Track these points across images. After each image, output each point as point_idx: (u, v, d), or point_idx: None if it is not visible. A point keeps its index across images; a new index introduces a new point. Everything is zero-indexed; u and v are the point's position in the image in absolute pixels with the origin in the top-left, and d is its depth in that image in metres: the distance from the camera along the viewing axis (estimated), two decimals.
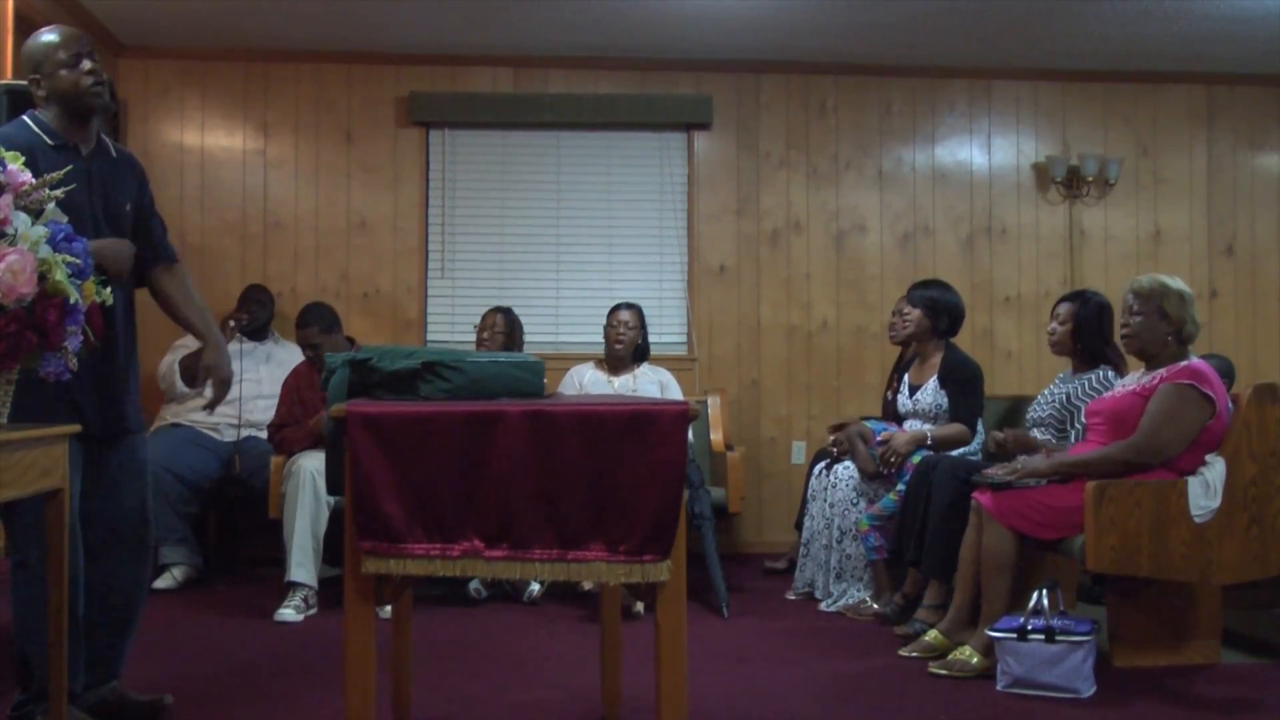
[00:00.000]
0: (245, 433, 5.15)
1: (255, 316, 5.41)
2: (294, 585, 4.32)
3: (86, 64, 2.82)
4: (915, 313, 4.62)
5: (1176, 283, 3.67)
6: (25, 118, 2.84)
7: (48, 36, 2.86)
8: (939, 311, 4.59)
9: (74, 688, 2.83)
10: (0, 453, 2.16)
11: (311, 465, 4.33)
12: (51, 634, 2.47)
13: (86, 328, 2.38)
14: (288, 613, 4.24)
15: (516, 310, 5.38)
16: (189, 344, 5.25)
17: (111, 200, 2.93)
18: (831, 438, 4.73)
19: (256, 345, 5.40)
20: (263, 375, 5.31)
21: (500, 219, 5.98)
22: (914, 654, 3.70)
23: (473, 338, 5.37)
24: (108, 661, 2.99)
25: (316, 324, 4.83)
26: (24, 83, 3.24)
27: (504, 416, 2.21)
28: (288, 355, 5.43)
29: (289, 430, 4.67)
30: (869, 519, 4.36)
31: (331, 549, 4.38)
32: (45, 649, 2.51)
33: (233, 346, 5.25)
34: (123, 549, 2.98)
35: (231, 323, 5.29)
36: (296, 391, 4.75)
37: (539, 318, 5.91)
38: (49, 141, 2.79)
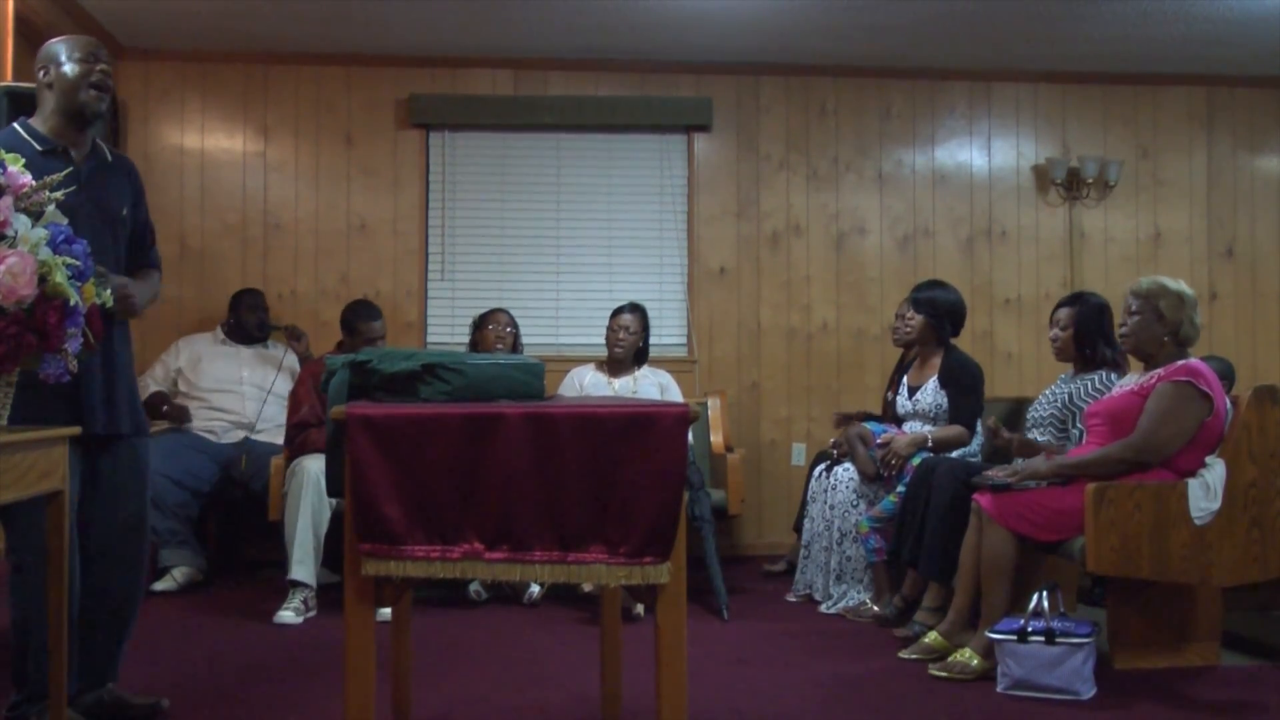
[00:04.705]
0: (246, 434, 5.16)
1: (264, 321, 5.44)
2: (295, 585, 4.33)
3: (100, 66, 2.88)
4: (918, 318, 4.63)
5: (1177, 284, 3.67)
6: (15, 124, 2.88)
7: (67, 37, 2.95)
8: (941, 315, 4.60)
9: (69, 689, 2.84)
10: (0, 455, 2.16)
11: (315, 466, 4.33)
12: (51, 636, 2.47)
13: (86, 330, 2.38)
14: (287, 615, 4.24)
15: (515, 312, 5.39)
16: (166, 360, 5.31)
17: (105, 204, 2.93)
18: (832, 440, 4.74)
19: (240, 348, 5.39)
20: (251, 376, 5.31)
21: (500, 221, 5.98)
22: (914, 656, 3.70)
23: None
24: (105, 664, 3.00)
25: (381, 318, 4.99)
26: (26, 86, 3.25)
27: (504, 418, 2.21)
28: (281, 354, 5.44)
29: (315, 431, 4.63)
30: (869, 521, 4.36)
31: (332, 553, 4.38)
32: (43, 650, 2.53)
33: (226, 349, 5.32)
34: (119, 553, 2.99)
35: (222, 326, 5.41)
36: (319, 390, 4.70)
37: (539, 320, 5.91)
38: (37, 147, 2.80)
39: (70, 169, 2.70)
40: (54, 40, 2.95)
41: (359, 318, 4.97)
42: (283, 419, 5.00)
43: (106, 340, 2.86)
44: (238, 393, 5.23)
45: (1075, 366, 4.23)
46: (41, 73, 2.88)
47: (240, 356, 5.35)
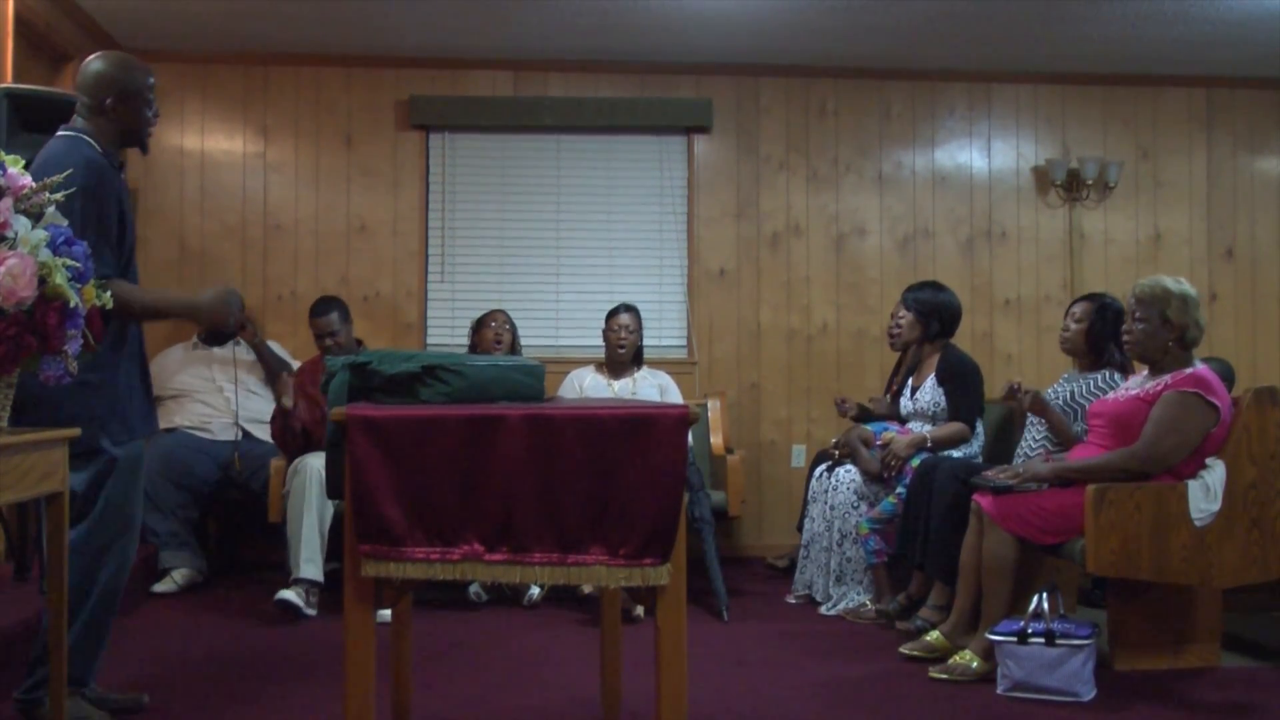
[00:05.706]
0: (238, 427, 5.17)
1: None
2: (299, 581, 4.30)
3: (155, 108, 3.11)
4: (908, 316, 4.66)
5: (1181, 285, 3.61)
6: (82, 135, 2.93)
7: (139, 67, 3.09)
8: (929, 314, 4.63)
9: (88, 681, 2.89)
10: (1, 457, 2.17)
11: (318, 464, 4.31)
12: (52, 636, 2.48)
13: (86, 331, 2.38)
14: (289, 594, 4.21)
15: (515, 314, 5.39)
16: (162, 365, 5.31)
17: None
18: (833, 441, 4.75)
19: (211, 350, 5.38)
20: (221, 374, 5.31)
21: (500, 223, 5.98)
22: (914, 652, 3.70)
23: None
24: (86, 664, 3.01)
25: (337, 310, 4.94)
26: (27, 88, 3.26)
27: (504, 420, 2.21)
28: (231, 350, 5.43)
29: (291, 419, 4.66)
30: (869, 522, 4.36)
31: (335, 550, 4.36)
32: (80, 638, 2.73)
33: (198, 353, 5.37)
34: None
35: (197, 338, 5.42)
36: (301, 387, 4.74)
37: (539, 321, 5.91)
38: (111, 161, 2.94)
39: (124, 182, 3.01)
40: (129, 67, 3.03)
41: (310, 315, 5.00)
42: (265, 415, 5.02)
43: (136, 340, 3.04)
44: (215, 392, 5.24)
45: (1080, 364, 4.24)
46: (109, 99, 2.95)
47: (211, 357, 5.35)
